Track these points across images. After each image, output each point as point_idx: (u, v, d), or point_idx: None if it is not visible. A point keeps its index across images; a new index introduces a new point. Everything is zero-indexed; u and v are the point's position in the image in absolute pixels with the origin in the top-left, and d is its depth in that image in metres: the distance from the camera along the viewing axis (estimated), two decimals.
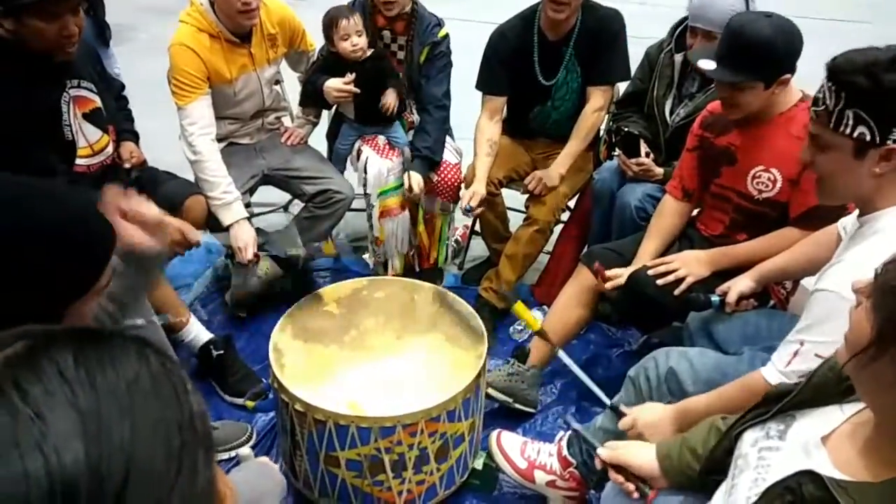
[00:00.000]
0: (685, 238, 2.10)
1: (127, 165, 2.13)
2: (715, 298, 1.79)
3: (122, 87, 2.35)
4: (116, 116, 2.13)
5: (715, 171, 1.97)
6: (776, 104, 1.81)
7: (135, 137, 2.27)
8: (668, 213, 2.08)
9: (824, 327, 1.26)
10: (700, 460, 1.20)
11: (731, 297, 1.75)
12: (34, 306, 0.86)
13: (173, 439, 0.42)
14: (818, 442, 0.95)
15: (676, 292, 1.85)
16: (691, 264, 1.88)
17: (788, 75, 1.75)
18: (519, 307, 1.85)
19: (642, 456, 1.28)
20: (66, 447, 0.38)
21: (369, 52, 2.41)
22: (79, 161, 1.92)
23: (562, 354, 1.87)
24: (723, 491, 1.09)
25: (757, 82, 1.74)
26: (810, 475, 0.87)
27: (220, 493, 0.45)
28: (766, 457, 0.99)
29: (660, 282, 1.88)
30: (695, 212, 2.13)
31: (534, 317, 1.92)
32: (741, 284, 1.77)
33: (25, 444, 0.37)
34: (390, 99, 2.45)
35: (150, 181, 2.16)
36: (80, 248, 0.92)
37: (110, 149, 2.02)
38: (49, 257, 0.87)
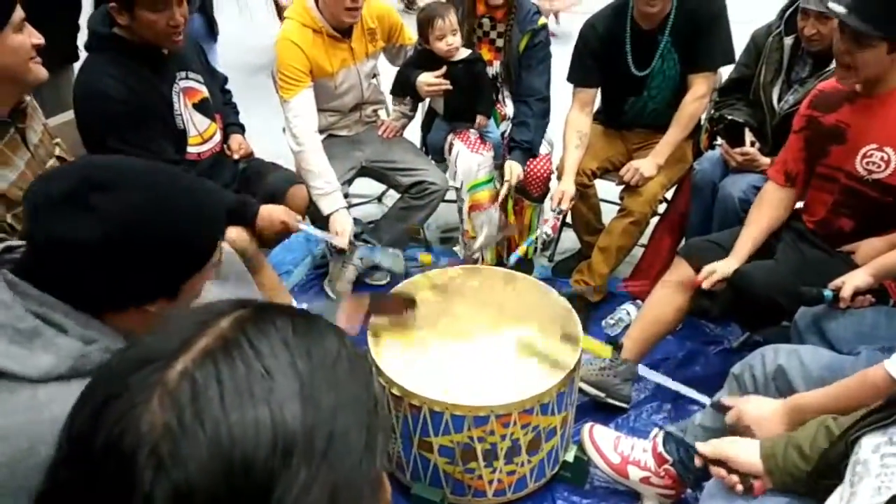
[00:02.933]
0: (790, 230, 1.99)
1: (236, 157, 2.24)
2: (828, 293, 1.68)
3: (226, 79, 2.46)
4: (222, 107, 2.25)
5: (823, 151, 1.86)
6: (893, 76, 1.69)
7: (241, 130, 2.39)
8: (769, 201, 1.98)
9: None
10: (807, 460, 1.14)
11: (846, 292, 1.64)
12: (161, 278, 0.92)
13: (364, 417, 0.45)
14: None
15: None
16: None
17: None
18: (586, 342, 1.81)
19: (745, 452, 1.23)
20: (289, 405, 0.41)
21: (465, 54, 2.41)
22: (190, 149, 2.03)
23: (644, 370, 1.84)
24: (837, 496, 1.03)
25: (881, 41, 1.63)
26: None
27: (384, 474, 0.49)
28: (890, 464, 0.93)
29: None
30: (800, 204, 2.02)
31: (603, 346, 1.89)
32: (857, 278, 1.65)
33: (257, 396, 0.41)
34: (482, 121, 2.50)
35: (256, 171, 2.27)
36: (200, 221, 0.97)
37: (218, 136, 2.12)
38: (174, 229, 0.93)
